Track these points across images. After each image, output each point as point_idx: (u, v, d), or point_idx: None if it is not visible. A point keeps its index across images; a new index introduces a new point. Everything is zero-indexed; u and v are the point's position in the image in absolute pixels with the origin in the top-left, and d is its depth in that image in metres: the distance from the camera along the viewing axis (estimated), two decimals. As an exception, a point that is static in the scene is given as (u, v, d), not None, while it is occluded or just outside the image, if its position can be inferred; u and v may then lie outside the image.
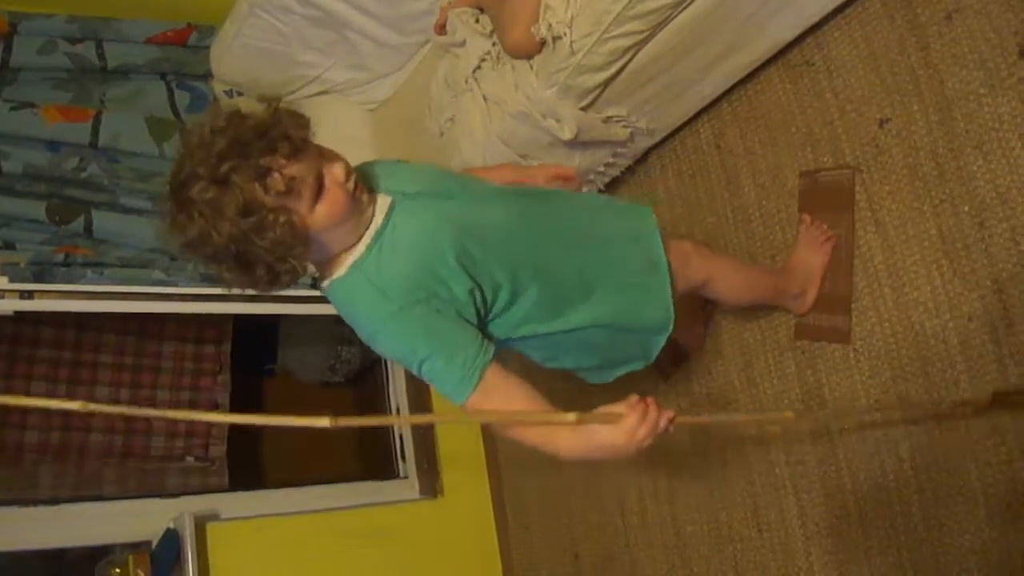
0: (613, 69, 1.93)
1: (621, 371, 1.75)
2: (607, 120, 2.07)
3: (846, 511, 1.95)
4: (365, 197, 1.40)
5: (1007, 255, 1.66)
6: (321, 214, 1.32)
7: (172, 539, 2.61)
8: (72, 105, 2.76)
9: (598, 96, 2.01)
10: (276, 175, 1.26)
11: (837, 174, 1.90)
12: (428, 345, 1.36)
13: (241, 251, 1.29)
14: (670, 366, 2.32)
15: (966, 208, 1.72)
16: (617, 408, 1.26)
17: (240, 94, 3.03)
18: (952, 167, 1.74)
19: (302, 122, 1.33)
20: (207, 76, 3.00)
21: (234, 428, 3.17)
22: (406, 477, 3.13)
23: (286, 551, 2.78)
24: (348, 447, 3.31)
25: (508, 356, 1.53)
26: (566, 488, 2.82)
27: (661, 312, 1.66)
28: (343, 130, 2.69)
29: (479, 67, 2.12)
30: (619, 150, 2.22)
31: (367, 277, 1.40)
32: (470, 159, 2.15)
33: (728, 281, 1.88)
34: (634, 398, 1.27)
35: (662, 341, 1.69)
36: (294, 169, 1.27)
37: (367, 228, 1.41)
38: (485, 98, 2.08)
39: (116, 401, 3.04)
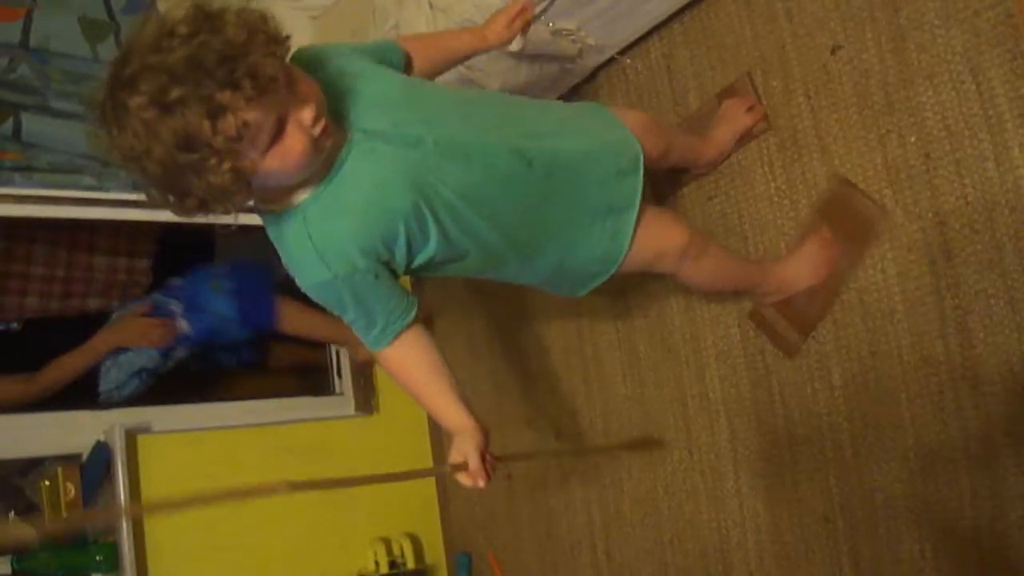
0: (564, -23, 1.88)
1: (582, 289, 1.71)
2: (556, 33, 2.02)
3: (776, 436, 1.97)
4: (328, 141, 1.27)
5: (951, 187, 1.66)
6: (274, 161, 1.20)
7: (102, 452, 2.58)
8: (2, 4, 2.63)
9: (547, 7, 1.95)
10: (230, 117, 1.10)
11: (870, 205, 1.78)
12: (355, 310, 1.40)
13: (173, 181, 1.16)
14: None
15: (913, 139, 1.71)
16: (453, 460, 1.42)
17: (178, -4, 2.92)
18: (901, 97, 1.73)
19: (277, 49, 1.17)
20: (144, -25, 2.88)
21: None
22: (342, 393, 3.11)
23: (218, 465, 2.76)
24: (283, 361, 3.28)
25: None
26: (500, 405, 2.82)
27: (613, 251, 1.63)
28: (285, 38, 2.60)
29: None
30: (567, 66, 2.17)
31: (307, 228, 1.31)
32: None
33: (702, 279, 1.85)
34: (460, 461, 1.40)
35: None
36: (253, 114, 1.12)
37: (319, 169, 1.29)
38: (431, 5, 2.01)
39: (47, 310, 2.96)
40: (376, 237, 1.33)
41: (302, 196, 1.31)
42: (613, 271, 1.65)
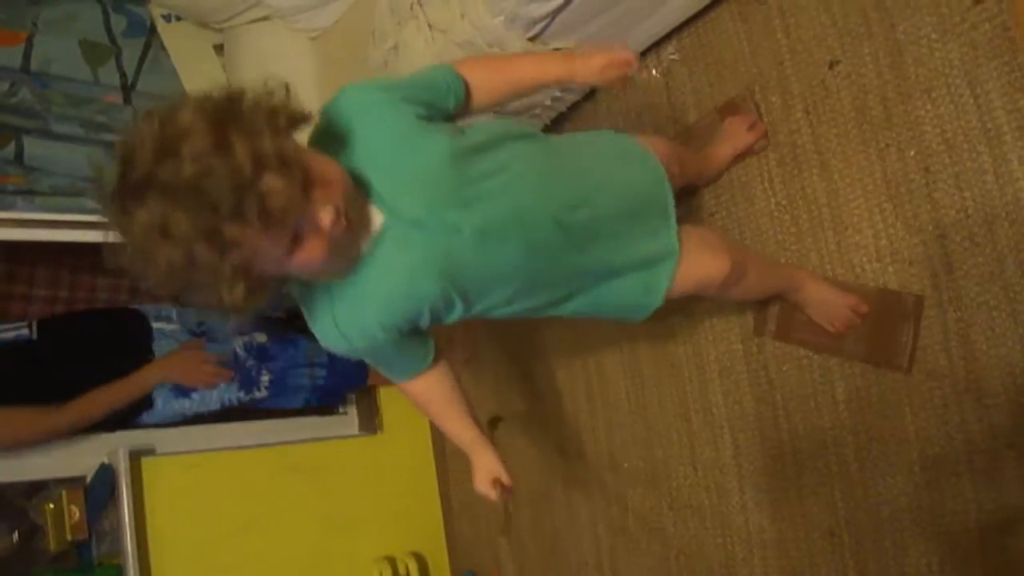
0: (562, -1, 1.89)
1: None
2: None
3: (781, 451, 1.97)
4: (357, 230, 1.21)
5: (950, 200, 1.66)
6: (292, 266, 1.15)
7: (106, 474, 2.58)
8: (3, 28, 2.65)
9: (546, 27, 1.96)
10: (237, 250, 1.04)
11: (907, 341, 1.74)
12: (373, 361, 1.48)
13: (183, 292, 1.10)
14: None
15: (912, 153, 1.72)
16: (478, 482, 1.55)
17: (179, 19, 2.94)
18: (900, 111, 1.73)
19: (293, 163, 1.07)
20: (145, -1, 2.91)
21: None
22: (345, 413, 3.12)
23: (222, 486, 2.76)
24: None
25: None
26: (504, 425, 2.81)
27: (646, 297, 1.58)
28: (284, 59, 2.61)
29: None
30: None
31: (332, 308, 1.30)
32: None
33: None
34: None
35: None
36: (263, 243, 1.06)
37: (349, 256, 1.25)
38: (430, 26, 2.02)
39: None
40: (400, 318, 1.33)
41: (330, 278, 1.29)
42: (646, 317, 1.61)
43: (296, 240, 1.12)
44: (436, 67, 1.44)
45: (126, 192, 1.04)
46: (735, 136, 2.00)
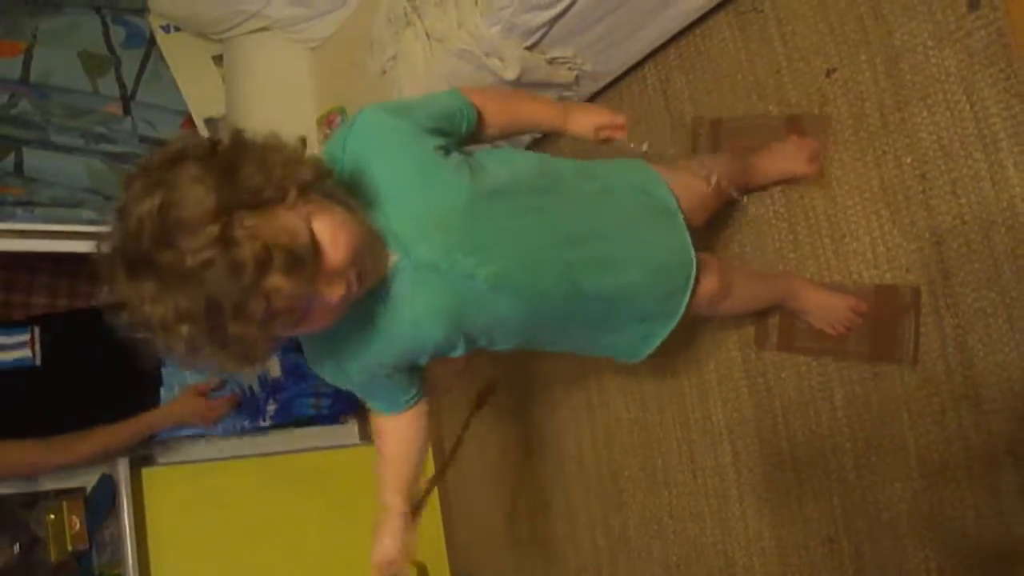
0: (560, 7, 1.88)
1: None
2: (552, 61, 2.03)
3: (780, 458, 1.97)
4: (369, 278, 1.17)
5: (947, 207, 1.66)
6: (301, 331, 1.14)
7: (107, 484, 2.59)
8: (2, 39, 2.66)
9: (544, 35, 1.96)
10: (239, 344, 1.01)
11: (910, 341, 1.74)
12: (360, 393, 1.44)
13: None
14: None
15: (909, 160, 1.72)
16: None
17: (178, 29, 2.95)
18: (896, 119, 1.74)
19: (302, 256, 1.02)
20: (144, 10, 2.92)
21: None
22: (345, 422, 3.11)
23: (223, 496, 2.76)
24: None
25: None
26: (505, 434, 2.82)
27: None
28: (283, 70, 2.62)
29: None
30: (564, 93, 2.18)
31: (334, 341, 1.26)
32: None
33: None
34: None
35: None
36: (269, 330, 1.03)
37: (356, 300, 1.18)
38: (428, 35, 2.03)
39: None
40: (401, 357, 1.32)
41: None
42: (637, 361, 1.62)
43: (303, 317, 1.08)
44: (449, 94, 1.40)
45: (132, 261, 0.98)
46: (793, 160, 1.88)
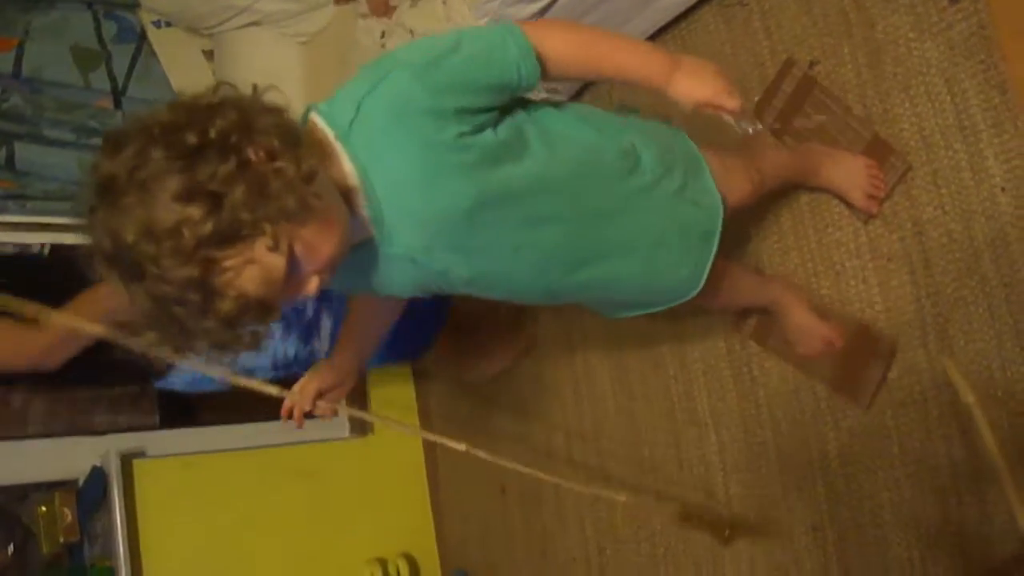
0: (546, 0, 1.90)
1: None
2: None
3: (764, 447, 1.99)
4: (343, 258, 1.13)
5: (928, 197, 1.68)
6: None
7: (98, 477, 2.59)
8: (-6, 35, 2.68)
9: (532, 30, 1.98)
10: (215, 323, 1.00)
11: (877, 377, 1.76)
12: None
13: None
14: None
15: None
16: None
17: (169, 25, 2.96)
18: (879, 110, 1.75)
19: (274, 290, 1.02)
20: (135, 5, 2.92)
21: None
22: (336, 416, 3.11)
23: (214, 488, 2.77)
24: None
25: None
26: (495, 428, 2.83)
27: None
28: (273, 65, 2.63)
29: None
30: (554, 85, 2.19)
31: None
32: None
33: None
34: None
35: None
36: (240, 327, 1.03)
37: None
38: (412, 32, 2.04)
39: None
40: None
41: None
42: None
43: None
44: (508, 41, 1.14)
45: (127, 261, 0.96)
46: (854, 186, 1.76)
